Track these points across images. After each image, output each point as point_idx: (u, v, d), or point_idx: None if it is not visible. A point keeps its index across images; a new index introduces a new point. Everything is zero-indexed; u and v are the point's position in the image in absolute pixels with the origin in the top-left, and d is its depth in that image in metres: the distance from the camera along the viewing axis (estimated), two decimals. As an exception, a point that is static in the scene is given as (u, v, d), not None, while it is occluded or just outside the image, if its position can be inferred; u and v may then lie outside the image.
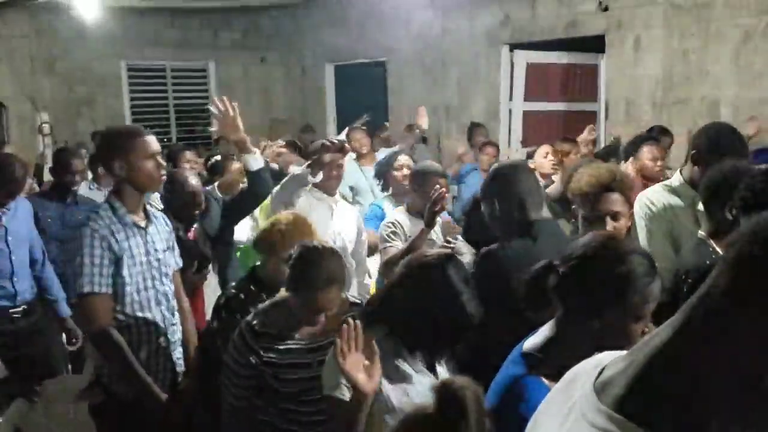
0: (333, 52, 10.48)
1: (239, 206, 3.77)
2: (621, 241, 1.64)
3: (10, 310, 3.76)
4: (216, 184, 4.44)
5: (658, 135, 5.38)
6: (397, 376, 1.89)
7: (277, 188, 3.49)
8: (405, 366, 1.92)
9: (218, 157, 5.05)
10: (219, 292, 3.46)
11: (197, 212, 3.62)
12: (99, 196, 5.00)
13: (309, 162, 3.52)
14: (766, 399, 0.74)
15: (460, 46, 8.77)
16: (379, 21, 9.49)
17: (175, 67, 10.87)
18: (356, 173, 5.54)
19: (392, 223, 3.58)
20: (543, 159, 4.83)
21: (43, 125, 9.13)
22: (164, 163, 2.72)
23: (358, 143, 5.89)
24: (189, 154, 5.36)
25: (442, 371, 2.00)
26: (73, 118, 9.64)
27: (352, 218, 3.90)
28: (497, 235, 2.52)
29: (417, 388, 1.89)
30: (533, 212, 2.45)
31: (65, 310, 4.07)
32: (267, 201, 3.64)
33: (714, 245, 2.40)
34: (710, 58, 6.58)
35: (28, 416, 2.50)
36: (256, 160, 3.34)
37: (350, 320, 1.83)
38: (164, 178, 2.75)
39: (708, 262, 2.30)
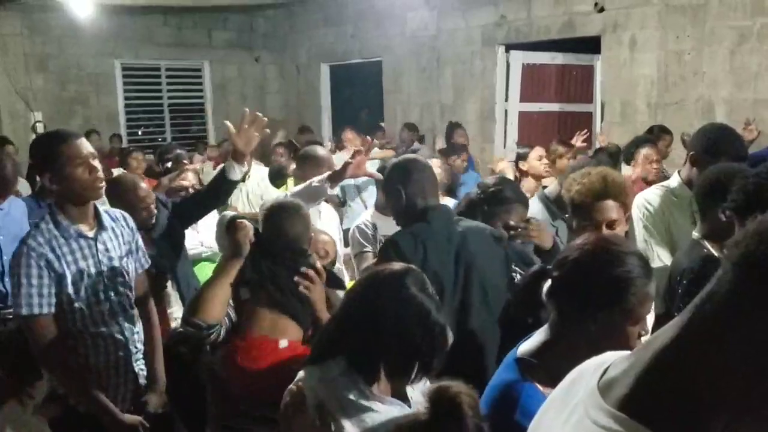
0: (328, 51, 10.48)
1: (192, 210, 3.46)
2: (616, 242, 1.62)
3: (2, 311, 3.72)
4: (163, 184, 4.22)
5: (659, 133, 5.38)
6: (359, 416, 1.62)
7: (287, 194, 3.39)
8: (367, 401, 1.64)
9: (169, 165, 4.68)
10: (179, 304, 3.31)
11: (151, 215, 3.31)
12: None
13: (329, 174, 3.39)
14: None
15: (455, 46, 8.78)
16: (374, 21, 9.50)
17: (169, 66, 10.85)
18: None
19: (364, 225, 3.49)
20: (536, 162, 4.82)
21: (37, 124, 9.10)
22: (99, 167, 2.44)
23: (350, 144, 5.90)
24: (136, 154, 4.94)
25: (415, 395, 1.76)
26: (67, 116, 9.62)
27: (336, 223, 3.88)
28: (401, 222, 2.63)
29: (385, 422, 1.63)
30: (430, 200, 2.57)
31: None
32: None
33: (708, 246, 2.40)
34: (705, 59, 6.60)
35: (19, 418, 2.47)
36: (241, 172, 3.20)
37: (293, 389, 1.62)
38: (102, 183, 2.45)
39: (702, 263, 2.30)
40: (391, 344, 1.66)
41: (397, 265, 1.83)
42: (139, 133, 10.84)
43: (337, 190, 4.90)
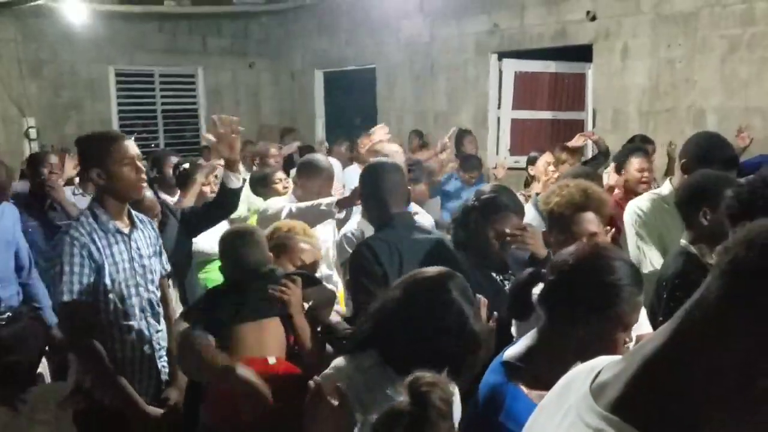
0: (322, 58, 10.50)
1: (201, 219, 3.54)
2: (608, 250, 1.65)
3: (-6, 316, 3.72)
4: (182, 198, 4.22)
5: (640, 143, 5.41)
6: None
7: (293, 210, 3.38)
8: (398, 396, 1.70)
9: (187, 165, 4.60)
10: (180, 306, 3.36)
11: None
12: (84, 202, 4.93)
13: (339, 199, 3.35)
14: (760, 402, 0.75)
15: (448, 53, 8.82)
16: (368, 28, 9.52)
17: (163, 73, 10.84)
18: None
19: (351, 234, 3.46)
20: (544, 168, 4.80)
21: (30, 129, 9.07)
22: (143, 168, 2.64)
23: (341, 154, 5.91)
24: (52, 158, 4.73)
25: None
26: (61, 122, 9.58)
27: (331, 228, 3.87)
28: (376, 224, 2.78)
29: None
30: (394, 207, 2.73)
31: (51, 318, 4.03)
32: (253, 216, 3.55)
33: (695, 252, 2.42)
34: (696, 67, 6.65)
35: (11, 424, 2.47)
36: (238, 179, 3.26)
37: (310, 383, 1.62)
38: (144, 183, 2.68)
39: (686, 269, 2.33)
40: (426, 345, 1.69)
41: (441, 269, 1.87)
42: (132, 139, 10.78)
43: None
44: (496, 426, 1.47)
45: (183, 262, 3.51)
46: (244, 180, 3.36)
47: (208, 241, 3.85)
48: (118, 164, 2.53)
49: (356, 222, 3.55)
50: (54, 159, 4.55)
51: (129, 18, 9.70)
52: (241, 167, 3.73)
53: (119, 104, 10.47)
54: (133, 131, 10.77)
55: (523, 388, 1.50)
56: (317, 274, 2.96)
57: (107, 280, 2.53)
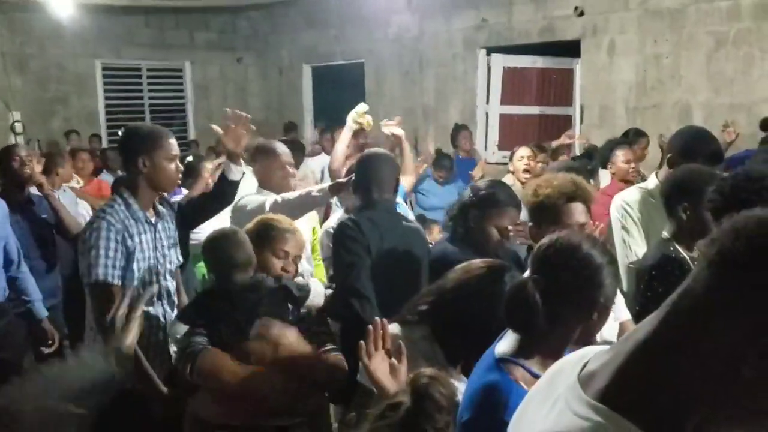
0: (310, 53, 10.47)
1: (198, 211, 3.48)
2: (581, 237, 1.66)
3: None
4: (189, 191, 4.26)
5: (634, 137, 5.45)
6: None
7: (279, 201, 3.34)
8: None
9: (191, 158, 4.66)
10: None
11: None
12: (67, 198, 4.89)
13: (331, 184, 3.32)
14: (745, 390, 0.77)
15: (437, 48, 8.82)
16: (356, 22, 9.50)
17: (150, 67, 10.77)
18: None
19: (332, 229, 3.37)
20: (518, 162, 4.83)
21: (15, 124, 9.00)
22: (181, 167, 2.80)
23: (330, 144, 5.88)
24: (21, 150, 4.43)
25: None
26: (47, 117, 9.51)
27: (308, 227, 3.82)
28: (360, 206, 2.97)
29: None
30: (380, 193, 2.94)
31: (42, 312, 4.01)
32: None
33: (675, 245, 2.45)
34: (683, 63, 6.70)
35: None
36: (238, 172, 3.26)
37: (377, 319, 1.81)
38: (178, 180, 2.85)
39: (664, 260, 2.35)
40: (476, 332, 1.79)
41: (497, 261, 2.01)
42: (120, 133, 10.71)
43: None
44: (502, 425, 1.44)
45: (181, 255, 3.52)
46: (243, 173, 3.35)
47: (204, 232, 3.84)
48: (165, 157, 2.68)
49: (337, 218, 3.53)
50: (23, 152, 4.43)
51: (116, 12, 9.64)
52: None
53: (106, 98, 10.40)
54: (120, 126, 10.70)
55: (523, 384, 1.50)
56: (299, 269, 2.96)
57: (135, 267, 2.64)
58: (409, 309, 2.01)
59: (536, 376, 1.47)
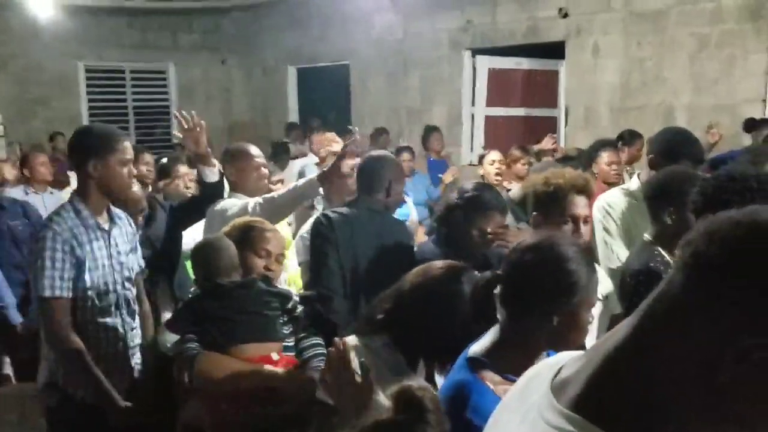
0: (295, 54, 10.44)
1: (188, 213, 3.53)
2: (558, 237, 1.67)
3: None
4: (161, 187, 4.27)
5: (630, 138, 5.43)
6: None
7: (261, 202, 3.32)
8: (404, 377, 1.82)
9: (165, 160, 4.71)
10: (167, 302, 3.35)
11: (139, 217, 3.43)
12: (37, 200, 4.83)
13: (318, 174, 3.26)
14: (722, 397, 0.75)
15: (422, 50, 8.81)
16: (341, 23, 9.48)
17: (134, 69, 10.71)
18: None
19: (307, 233, 3.36)
20: (489, 166, 4.88)
21: (-5, 125, 8.91)
22: (135, 171, 2.69)
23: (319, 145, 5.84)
24: None
25: (442, 382, 1.90)
26: (28, 118, 9.43)
27: (289, 230, 3.80)
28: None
29: None
30: (368, 193, 2.99)
31: (15, 317, 3.95)
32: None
33: (659, 249, 2.44)
34: (666, 65, 6.73)
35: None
36: (213, 173, 3.23)
37: (337, 341, 1.75)
38: (132, 187, 2.73)
39: (653, 264, 2.34)
40: (436, 334, 1.79)
41: (455, 262, 1.97)
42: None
43: None
44: (463, 422, 1.46)
45: (173, 256, 3.47)
46: (221, 173, 3.33)
47: (194, 234, 3.82)
48: (117, 162, 2.54)
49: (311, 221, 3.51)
50: None
51: (98, 13, 9.58)
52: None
53: (90, 100, 10.34)
54: (103, 128, 10.63)
55: (489, 383, 1.50)
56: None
57: (87, 277, 2.51)
58: (367, 318, 1.97)
59: (506, 378, 1.50)
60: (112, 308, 2.61)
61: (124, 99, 10.76)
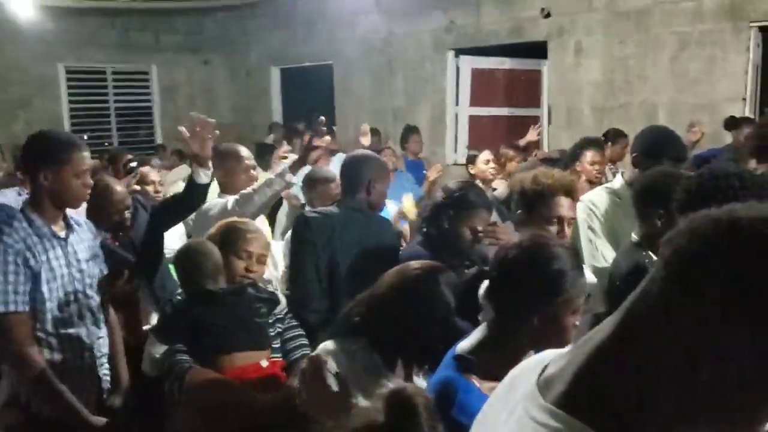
0: (278, 54, 10.40)
1: (170, 213, 3.45)
2: (546, 238, 1.68)
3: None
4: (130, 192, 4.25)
5: (614, 137, 5.47)
6: (373, 391, 1.73)
7: (238, 199, 3.29)
8: (383, 380, 1.76)
9: (135, 164, 4.65)
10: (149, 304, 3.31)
11: (124, 219, 3.31)
12: None
13: (290, 164, 3.31)
14: (705, 393, 0.75)
15: (406, 50, 8.82)
16: (324, 24, 9.47)
17: (116, 70, 10.62)
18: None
19: None
20: (484, 166, 4.89)
21: (-25, 128, 8.80)
22: (91, 182, 2.55)
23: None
24: None
25: (421, 383, 1.91)
26: (8, 120, 9.32)
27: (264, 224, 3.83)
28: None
29: None
30: (350, 193, 3.01)
31: None
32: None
33: (647, 249, 2.45)
34: (648, 64, 6.78)
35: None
36: (207, 175, 3.19)
37: (313, 355, 1.75)
38: (87, 197, 2.57)
39: (640, 264, 2.35)
40: (414, 335, 1.79)
41: (431, 262, 1.98)
42: (85, 137, 10.57)
43: (299, 193, 4.75)
44: (449, 420, 1.47)
45: (154, 258, 3.42)
46: (213, 177, 3.31)
47: (175, 236, 3.80)
48: (70, 173, 2.42)
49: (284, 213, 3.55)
50: None
51: (79, 14, 9.48)
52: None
53: (71, 102, 10.24)
54: (85, 130, 10.54)
55: (475, 381, 1.51)
56: (265, 275, 2.92)
57: (43, 289, 2.41)
58: (344, 320, 1.95)
59: (492, 376, 1.49)
60: (75, 318, 2.52)
61: (106, 101, 10.67)
